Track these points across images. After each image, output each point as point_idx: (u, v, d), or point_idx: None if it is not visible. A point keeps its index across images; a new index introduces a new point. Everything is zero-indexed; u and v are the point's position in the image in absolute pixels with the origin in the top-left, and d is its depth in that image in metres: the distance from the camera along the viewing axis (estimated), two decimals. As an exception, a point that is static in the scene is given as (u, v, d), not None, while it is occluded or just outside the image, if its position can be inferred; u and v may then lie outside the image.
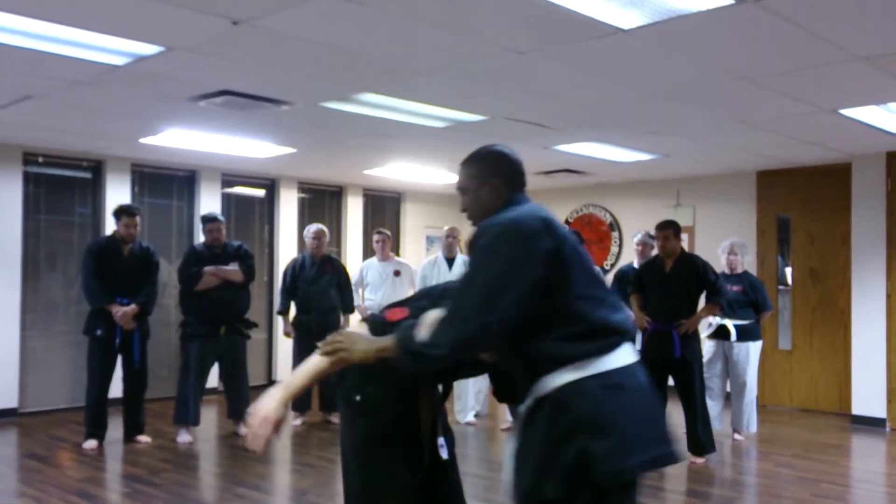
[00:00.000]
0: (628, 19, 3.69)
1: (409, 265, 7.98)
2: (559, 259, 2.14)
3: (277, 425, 2.31)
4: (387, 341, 2.23)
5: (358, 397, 2.52)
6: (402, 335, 2.18)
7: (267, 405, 2.32)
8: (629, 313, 2.27)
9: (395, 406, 2.54)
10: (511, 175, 2.40)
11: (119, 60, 4.45)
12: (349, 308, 7.40)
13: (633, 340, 2.27)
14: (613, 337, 2.16)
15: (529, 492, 2.15)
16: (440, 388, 2.68)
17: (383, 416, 2.53)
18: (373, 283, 7.76)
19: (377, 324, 2.51)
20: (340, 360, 2.31)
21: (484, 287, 2.09)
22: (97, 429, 6.19)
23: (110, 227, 6.76)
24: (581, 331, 2.13)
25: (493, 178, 2.38)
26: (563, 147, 7.11)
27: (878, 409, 7.19)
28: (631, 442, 2.06)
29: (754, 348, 6.57)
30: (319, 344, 2.34)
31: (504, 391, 2.58)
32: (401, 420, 2.55)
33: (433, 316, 2.19)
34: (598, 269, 2.42)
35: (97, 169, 7.91)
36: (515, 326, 2.11)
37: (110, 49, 4.26)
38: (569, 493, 2.07)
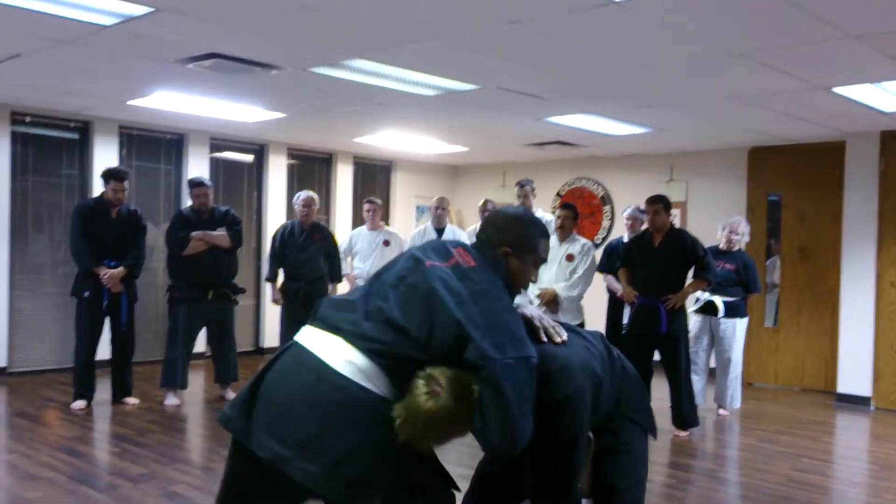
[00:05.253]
0: (622, -10, 3.65)
1: (398, 235, 7.96)
2: None
3: None
4: None
5: None
6: None
7: None
8: None
9: None
10: None
11: (107, 20, 4.38)
12: (337, 277, 7.37)
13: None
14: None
15: None
16: None
17: None
18: (362, 252, 7.73)
19: None
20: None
21: None
22: (85, 389, 6.21)
23: (98, 188, 6.71)
24: None
25: None
26: (555, 119, 7.06)
27: (863, 388, 7.23)
28: None
29: (741, 325, 6.59)
30: None
31: None
32: None
33: None
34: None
35: (85, 130, 7.83)
36: None
37: (98, 9, 4.20)
38: None
